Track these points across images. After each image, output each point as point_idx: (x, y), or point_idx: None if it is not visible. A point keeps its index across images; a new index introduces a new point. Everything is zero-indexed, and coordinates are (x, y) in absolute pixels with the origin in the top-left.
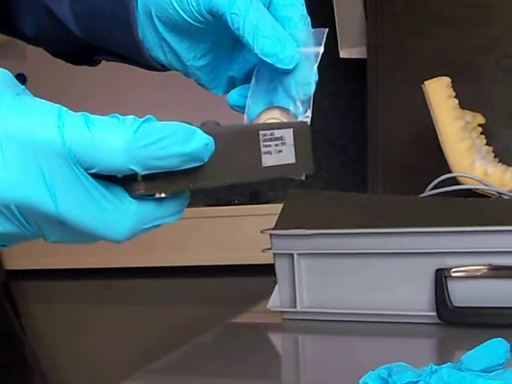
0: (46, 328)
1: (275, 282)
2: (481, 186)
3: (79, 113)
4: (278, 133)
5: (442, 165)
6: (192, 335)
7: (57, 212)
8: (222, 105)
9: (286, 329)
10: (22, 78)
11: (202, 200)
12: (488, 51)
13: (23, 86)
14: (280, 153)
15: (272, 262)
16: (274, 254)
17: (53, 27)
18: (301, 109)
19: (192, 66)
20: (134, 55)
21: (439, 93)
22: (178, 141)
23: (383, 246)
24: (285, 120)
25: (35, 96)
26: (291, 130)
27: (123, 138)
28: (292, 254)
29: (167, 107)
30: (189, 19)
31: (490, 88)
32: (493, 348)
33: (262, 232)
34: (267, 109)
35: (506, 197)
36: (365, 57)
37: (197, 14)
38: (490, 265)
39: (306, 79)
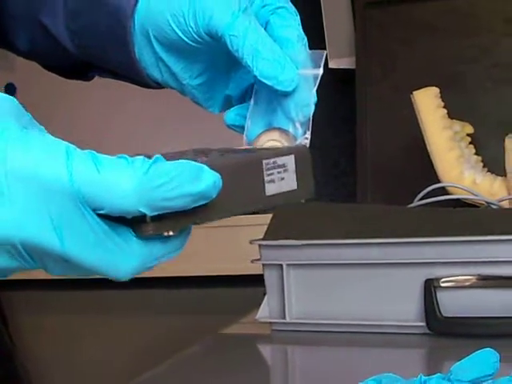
0: (34, 339)
1: (264, 293)
2: (470, 196)
3: (86, 151)
4: (280, 160)
5: (431, 175)
6: (181, 346)
7: (62, 251)
8: (216, 117)
9: (274, 340)
10: (11, 88)
11: None
12: (477, 61)
13: (29, 115)
14: (282, 180)
15: (261, 272)
16: (263, 264)
17: (46, 42)
18: (300, 130)
19: (188, 84)
20: (130, 73)
21: (428, 103)
22: (187, 181)
23: (372, 257)
24: (284, 141)
25: (26, 107)
26: (293, 156)
27: (133, 180)
28: (281, 265)
29: (161, 119)
30: (187, 40)
31: (479, 98)
32: (482, 358)
33: (250, 242)
34: (266, 130)
35: (494, 206)
36: (354, 67)
37: (195, 35)
38: (479, 275)
39: (305, 101)
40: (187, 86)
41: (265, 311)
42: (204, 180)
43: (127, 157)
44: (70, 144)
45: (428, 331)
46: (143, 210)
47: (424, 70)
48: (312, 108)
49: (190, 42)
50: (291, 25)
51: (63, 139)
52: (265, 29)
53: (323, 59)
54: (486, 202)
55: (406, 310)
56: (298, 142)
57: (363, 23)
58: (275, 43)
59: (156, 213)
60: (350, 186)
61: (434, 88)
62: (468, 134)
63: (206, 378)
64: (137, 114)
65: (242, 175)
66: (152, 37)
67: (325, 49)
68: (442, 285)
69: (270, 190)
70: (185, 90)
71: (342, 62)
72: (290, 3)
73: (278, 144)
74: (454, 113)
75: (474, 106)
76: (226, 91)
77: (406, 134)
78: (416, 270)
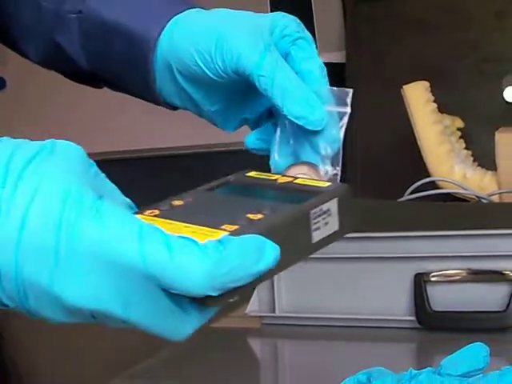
0: (23, 331)
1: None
2: (460, 190)
3: (157, 230)
4: (325, 206)
5: (421, 169)
6: (169, 340)
7: (126, 317)
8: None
9: (264, 334)
10: (1, 82)
11: None
12: (467, 55)
13: (95, 165)
14: (326, 225)
15: None
16: None
17: (59, 58)
18: (329, 165)
19: (207, 110)
20: (147, 96)
21: (418, 97)
22: (253, 262)
23: (362, 251)
24: (313, 175)
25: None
26: (336, 199)
27: (204, 268)
28: None
29: (158, 113)
30: (212, 75)
31: (469, 92)
32: (473, 352)
33: None
34: (295, 164)
35: (484, 201)
36: (343, 61)
37: (221, 73)
38: (469, 269)
39: (333, 137)
40: (206, 112)
41: (254, 305)
42: (267, 257)
43: (198, 242)
44: (141, 221)
45: (418, 325)
46: (210, 293)
47: (414, 65)
48: (340, 143)
49: (215, 78)
50: (312, 56)
51: (57, 136)
52: (285, 60)
53: (350, 97)
54: (477, 197)
55: (396, 304)
56: (327, 177)
57: (353, 18)
58: (302, 82)
59: (221, 292)
60: (340, 181)
61: (425, 82)
62: (458, 129)
63: (197, 371)
64: (133, 110)
65: (292, 231)
66: (175, 69)
67: (315, 42)
68: (432, 279)
69: (316, 237)
70: (202, 114)
71: (332, 56)
72: (307, 31)
73: (307, 174)
74: (444, 107)
75: (464, 100)
76: (242, 115)
77: (395, 129)
78: (406, 264)
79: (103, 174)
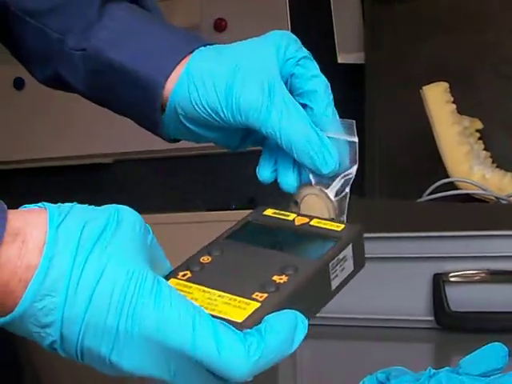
0: None
1: None
2: (479, 191)
3: (207, 321)
4: (341, 255)
5: (439, 170)
6: None
7: (171, 382)
8: None
9: None
10: (20, 82)
11: (200, 205)
12: (485, 57)
13: (151, 234)
14: (343, 270)
15: None
16: None
17: (63, 86)
18: (337, 179)
19: (209, 139)
20: (149, 129)
21: (437, 98)
22: (288, 345)
23: (381, 251)
24: (324, 195)
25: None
26: (351, 245)
27: (247, 365)
28: None
29: None
30: (224, 124)
31: (487, 94)
32: (491, 352)
33: None
34: (305, 185)
35: (504, 202)
36: (362, 62)
37: (232, 123)
38: (488, 270)
39: (344, 167)
40: (207, 140)
41: None
42: (298, 336)
43: (243, 338)
44: (194, 311)
45: (437, 326)
46: (249, 379)
47: (432, 66)
48: (353, 170)
49: (224, 124)
50: (315, 74)
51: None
52: (291, 80)
53: (355, 128)
54: (496, 197)
55: (415, 305)
56: (338, 196)
57: (372, 19)
58: (311, 128)
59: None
60: (358, 181)
61: (444, 83)
62: (477, 130)
63: None
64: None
65: (314, 288)
66: (181, 116)
67: (333, 43)
68: (451, 279)
69: (335, 283)
70: (201, 142)
71: (351, 57)
72: (304, 49)
73: (318, 195)
74: (462, 109)
75: (483, 102)
76: (242, 137)
77: (413, 130)
78: (425, 264)
79: (155, 240)
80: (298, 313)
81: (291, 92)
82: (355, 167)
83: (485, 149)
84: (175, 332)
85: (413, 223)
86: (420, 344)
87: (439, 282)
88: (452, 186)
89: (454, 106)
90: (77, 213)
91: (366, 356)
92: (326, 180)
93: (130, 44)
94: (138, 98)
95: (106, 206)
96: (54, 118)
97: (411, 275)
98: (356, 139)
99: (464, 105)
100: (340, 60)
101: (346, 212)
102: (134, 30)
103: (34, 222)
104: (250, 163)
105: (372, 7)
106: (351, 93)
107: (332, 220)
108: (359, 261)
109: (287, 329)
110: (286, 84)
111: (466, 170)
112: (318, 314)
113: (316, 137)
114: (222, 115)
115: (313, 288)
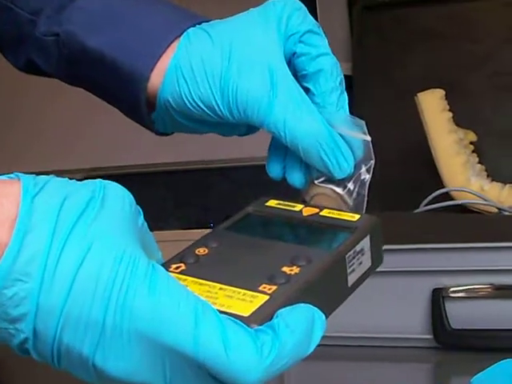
0: None
1: None
2: (480, 201)
3: (214, 319)
4: (358, 247)
5: (434, 182)
6: None
7: None
8: None
9: None
10: None
11: (177, 223)
12: (478, 68)
13: (141, 215)
14: (360, 264)
15: None
16: None
17: (40, 73)
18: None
19: (206, 132)
20: (135, 120)
21: (433, 105)
22: (305, 347)
23: None
24: (337, 197)
25: None
26: (368, 236)
27: (259, 370)
28: None
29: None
30: (220, 120)
31: (481, 106)
32: (505, 370)
33: None
34: (315, 183)
35: (506, 213)
36: (349, 73)
37: (229, 119)
38: (491, 284)
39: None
40: (206, 132)
41: None
42: (316, 336)
43: (254, 336)
44: (194, 300)
45: (436, 344)
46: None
47: (424, 77)
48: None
49: (221, 121)
50: (321, 52)
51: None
52: (293, 63)
53: (365, 127)
54: (498, 208)
55: (412, 322)
56: (352, 197)
57: (360, 28)
58: (322, 125)
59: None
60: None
61: (440, 90)
62: (471, 143)
63: None
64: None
65: (330, 282)
66: (172, 111)
67: None
68: (451, 295)
69: (352, 279)
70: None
71: None
72: (311, 17)
73: (330, 196)
74: (454, 120)
75: (476, 114)
76: (251, 128)
77: (406, 141)
78: (423, 278)
79: (146, 224)
80: (314, 308)
81: (294, 74)
82: (372, 167)
83: (479, 162)
84: (173, 327)
85: (409, 235)
86: (418, 364)
87: (438, 298)
88: (447, 196)
89: (450, 113)
90: (56, 185)
91: (360, 377)
92: (338, 179)
93: (109, 28)
94: (121, 91)
95: (89, 180)
96: (23, 132)
97: (408, 290)
98: (369, 138)
99: (457, 116)
100: None
101: None
102: (113, 11)
103: (4, 191)
104: (226, 178)
105: (360, 16)
106: None
107: (345, 210)
108: (377, 256)
109: (304, 326)
110: (288, 66)
111: (463, 181)
112: None
113: (328, 136)
114: (219, 111)
115: (329, 281)
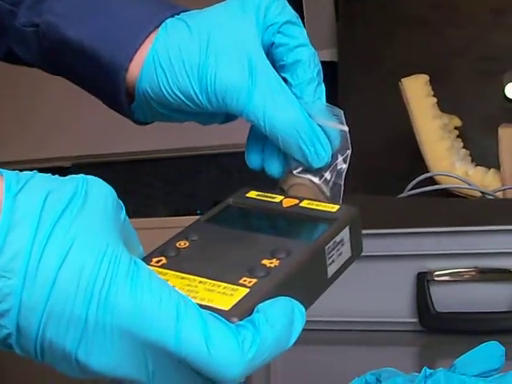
0: None
1: None
2: (464, 186)
3: (195, 314)
4: (338, 237)
5: (419, 168)
6: None
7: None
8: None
9: None
10: None
11: (165, 210)
12: (463, 53)
13: (123, 210)
14: (340, 255)
15: None
16: None
17: (21, 63)
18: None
19: (186, 121)
20: (115, 109)
21: (417, 91)
22: (286, 340)
23: None
24: (315, 187)
25: None
26: (348, 227)
27: (240, 365)
28: None
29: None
30: (198, 110)
31: (465, 91)
32: (488, 352)
33: None
34: (293, 173)
35: (489, 197)
36: (335, 59)
37: (209, 109)
38: (475, 267)
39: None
40: (186, 121)
41: None
42: (296, 329)
43: (235, 332)
44: (179, 298)
45: (421, 328)
46: (241, 380)
47: (408, 63)
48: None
49: (200, 110)
50: (299, 43)
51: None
52: (272, 54)
53: (343, 116)
54: (482, 192)
55: (398, 306)
56: (329, 186)
57: (346, 14)
58: (301, 115)
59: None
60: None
61: (424, 75)
62: (456, 128)
63: None
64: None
65: (309, 273)
66: (151, 101)
67: None
68: (436, 278)
69: (331, 270)
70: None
71: (323, 54)
72: (289, 8)
73: (307, 186)
74: (440, 106)
75: (461, 98)
76: (230, 116)
77: (391, 127)
78: (407, 262)
79: (128, 219)
80: (294, 300)
81: (272, 65)
82: (348, 157)
83: (463, 147)
84: (155, 323)
85: (394, 219)
86: (403, 347)
87: (423, 282)
88: (432, 181)
89: (435, 99)
90: (38, 181)
91: (346, 361)
92: (315, 169)
93: (89, 19)
94: (100, 81)
95: (72, 175)
96: (10, 119)
97: (393, 274)
98: (346, 128)
99: (442, 102)
100: None
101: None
102: (93, 1)
103: None
104: (215, 165)
105: (346, 2)
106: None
107: (325, 201)
108: (356, 246)
109: (284, 320)
110: (267, 56)
111: (447, 166)
112: None
113: (307, 126)
114: (197, 101)
115: (308, 273)
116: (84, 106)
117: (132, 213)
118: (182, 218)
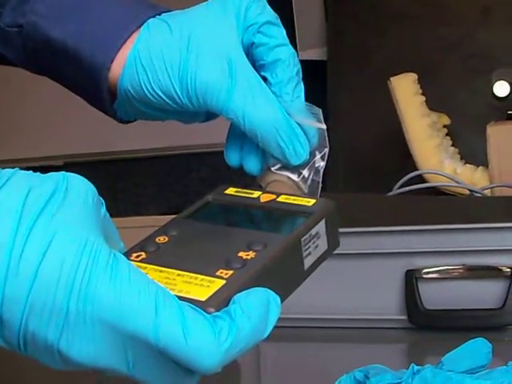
0: None
1: None
2: (452, 184)
3: (174, 305)
4: (314, 230)
5: (408, 166)
6: None
7: (130, 376)
8: None
9: None
10: None
11: (156, 209)
12: (452, 51)
13: (104, 206)
14: (316, 248)
15: None
16: None
17: (6, 63)
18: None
19: (168, 119)
20: (98, 108)
21: (406, 89)
22: (262, 330)
23: (349, 247)
24: (293, 184)
25: None
26: (324, 220)
27: (217, 355)
28: None
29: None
30: (180, 109)
31: (454, 89)
32: (475, 349)
33: None
34: (271, 170)
35: (477, 194)
36: (324, 58)
37: (190, 108)
38: (463, 265)
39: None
40: (168, 119)
41: None
42: (271, 319)
43: (212, 323)
44: (156, 289)
45: (410, 325)
46: (219, 369)
47: (398, 61)
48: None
49: (181, 109)
50: (279, 43)
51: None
52: (252, 54)
53: (321, 115)
54: (470, 190)
55: (386, 303)
56: (307, 183)
57: (335, 13)
58: (280, 114)
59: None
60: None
61: (412, 74)
62: (444, 126)
63: None
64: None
65: (285, 265)
66: (133, 100)
67: (294, 39)
68: (424, 276)
69: (307, 263)
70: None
71: (313, 53)
72: (268, 8)
73: (285, 183)
74: (428, 104)
75: (450, 97)
76: (211, 115)
77: (380, 125)
78: (396, 260)
79: (109, 215)
80: (269, 291)
81: (252, 64)
82: (326, 154)
83: (452, 145)
84: (134, 315)
85: (382, 217)
86: (392, 344)
87: (412, 279)
88: (423, 180)
89: (423, 97)
90: (20, 178)
91: (336, 359)
92: (293, 166)
93: (72, 19)
94: (83, 81)
95: (53, 172)
96: (1, 119)
97: (382, 272)
98: (324, 126)
99: (431, 100)
100: (301, 57)
101: None
102: (77, 1)
103: None
104: (206, 163)
105: (335, 0)
106: (313, 90)
107: (302, 195)
108: (333, 239)
109: (260, 311)
110: (247, 56)
111: (436, 164)
112: (283, 315)
113: (285, 124)
114: (178, 100)
115: (284, 265)
116: (76, 105)
117: (123, 211)
118: (173, 216)
